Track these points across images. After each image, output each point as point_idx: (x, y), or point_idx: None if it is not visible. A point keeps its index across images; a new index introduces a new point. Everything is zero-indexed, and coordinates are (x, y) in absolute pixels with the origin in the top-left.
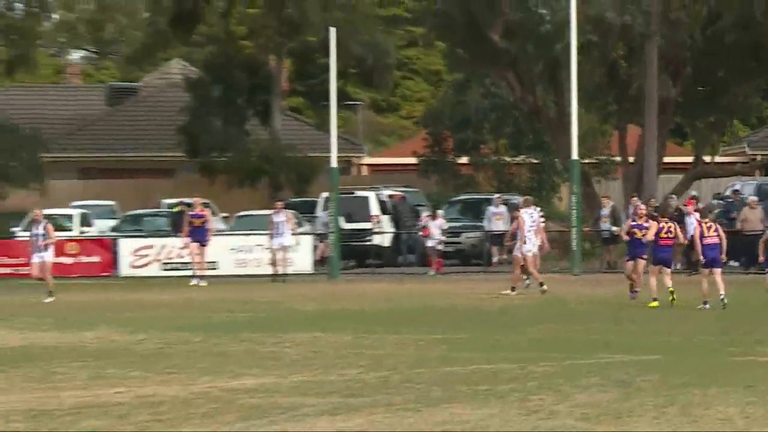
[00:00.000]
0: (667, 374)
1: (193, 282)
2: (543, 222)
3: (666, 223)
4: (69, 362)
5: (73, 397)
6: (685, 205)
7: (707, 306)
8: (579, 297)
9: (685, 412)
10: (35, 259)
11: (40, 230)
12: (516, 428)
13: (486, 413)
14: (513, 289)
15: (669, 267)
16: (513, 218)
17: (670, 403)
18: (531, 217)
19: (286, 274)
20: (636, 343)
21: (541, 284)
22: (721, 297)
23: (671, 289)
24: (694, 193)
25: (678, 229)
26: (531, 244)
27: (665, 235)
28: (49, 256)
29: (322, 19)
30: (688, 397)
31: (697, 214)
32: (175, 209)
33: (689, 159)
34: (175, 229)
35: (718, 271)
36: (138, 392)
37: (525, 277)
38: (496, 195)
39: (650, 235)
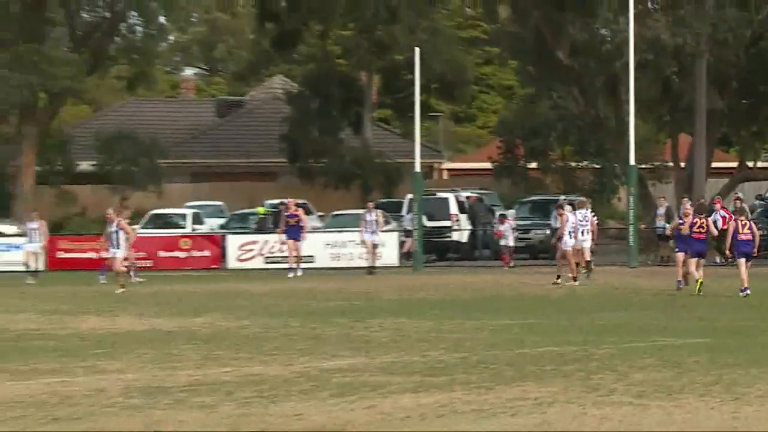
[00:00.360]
0: (714, 356)
1: (290, 275)
2: (596, 221)
3: (699, 219)
4: (182, 345)
5: (186, 375)
6: (714, 203)
7: (748, 292)
8: (635, 287)
9: (729, 390)
10: (110, 254)
11: (114, 228)
12: (579, 403)
13: (552, 390)
14: (575, 279)
15: (703, 258)
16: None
17: (716, 382)
18: (584, 216)
19: (376, 267)
20: (686, 328)
21: (575, 279)
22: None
23: (701, 279)
24: (739, 194)
25: (711, 225)
26: (582, 239)
27: (697, 230)
28: (120, 252)
29: (408, 41)
30: (732, 377)
31: (723, 211)
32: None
33: (734, 164)
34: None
35: (749, 264)
36: (243, 371)
37: (584, 270)
38: (562, 197)
39: (685, 229)
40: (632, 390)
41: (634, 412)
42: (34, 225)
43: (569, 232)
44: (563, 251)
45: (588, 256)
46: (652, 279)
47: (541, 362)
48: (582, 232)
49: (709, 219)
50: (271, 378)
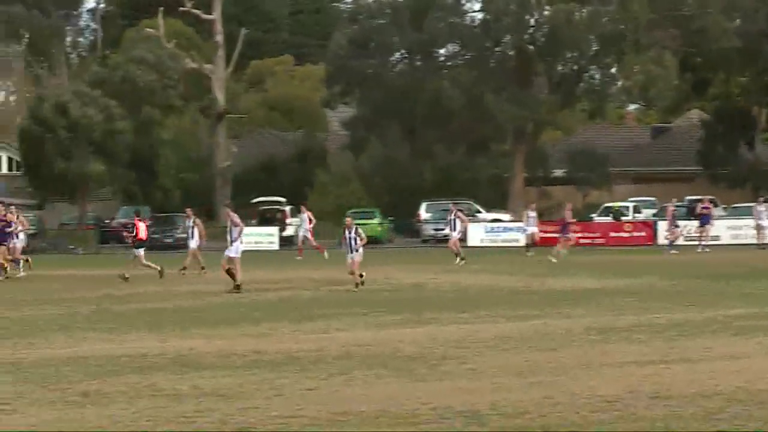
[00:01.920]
0: None
1: (699, 249)
2: None
3: None
4: (625, 297)
5: (627, 319)
6: None
7: None
8: None
9: None
10: (348, 258)
11: (353, 234)
12: None
13: None
14: None
15: None
16: None
17: None
18: None
19: (765, 244)
20: None
21: None
22: None
23: None
24: None
25: None
26: None
27: None
28: (358, 256)
29: None
30: None
31: None
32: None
33: None
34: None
35: None
36: (669, 317)
37: None
38: None
39: None
40: None
41: None
42: (532, 214)
43: None
44: None
45: None
46: None
47: None
48: None
49: None
50: (689, 321)
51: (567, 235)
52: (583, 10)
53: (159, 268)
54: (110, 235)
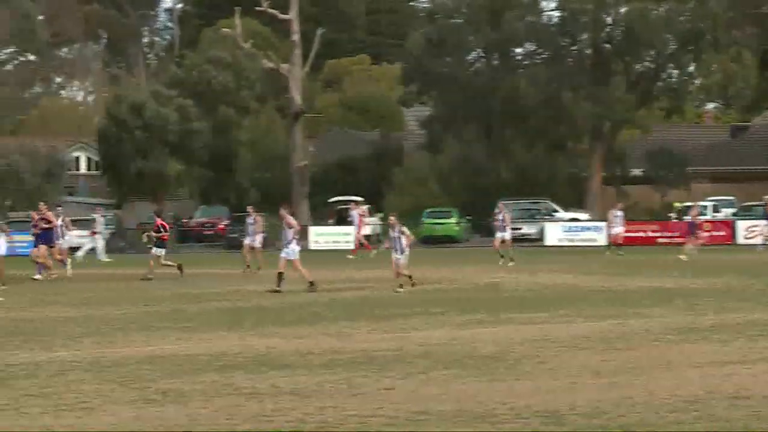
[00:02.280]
0: None
1: (759, 248)
2: None
3: None
4: (705, 297)
5: (708, 319)
6: None
7: None
8: None
9: None
10: (394, 258)
11: (397, 233)
12: None
13: None
14: None
15: None
16: None
17: None
18: None
19: None
20: None
21: None
22: None
23: None
24: None
25: None
26: None
27: None
28: (403, 258)
29: None
30: None
31: None
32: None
33: None
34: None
35: None
36: (750, 317)
37: None
38: None
39: None
40: None
41: None
42: (618, 213)
43: None
44: None
45: None
46: None
47: None
48: None
49: None
50: (756, 321)
51: (697, 234)
52: (660, 8)
53: (150, 276)
54: (189, 234)
